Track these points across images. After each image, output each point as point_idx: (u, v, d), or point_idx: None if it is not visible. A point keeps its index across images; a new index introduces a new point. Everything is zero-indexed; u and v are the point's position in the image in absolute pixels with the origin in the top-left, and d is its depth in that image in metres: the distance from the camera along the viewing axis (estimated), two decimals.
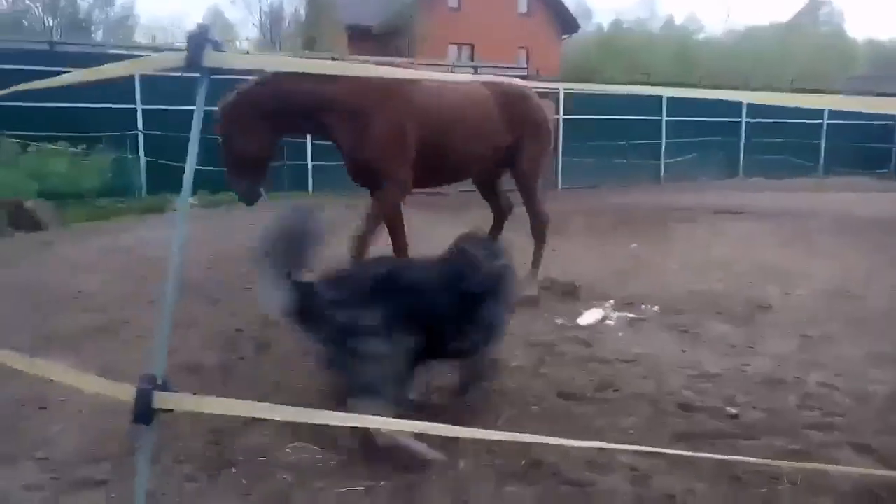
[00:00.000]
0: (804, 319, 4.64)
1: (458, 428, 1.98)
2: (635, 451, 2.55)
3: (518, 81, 3.92)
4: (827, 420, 3.07)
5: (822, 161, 17.77)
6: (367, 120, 4.11)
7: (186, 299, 4.86)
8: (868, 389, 3.42)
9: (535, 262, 5.20)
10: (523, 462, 2.63)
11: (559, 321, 4.61)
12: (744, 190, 13.65)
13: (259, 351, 3.96)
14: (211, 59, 1.36)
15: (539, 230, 5.20)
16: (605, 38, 34.61)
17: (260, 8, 33.50)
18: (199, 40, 1.33)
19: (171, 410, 1.58)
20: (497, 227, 5.37)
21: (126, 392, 1.54)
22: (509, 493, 2.46)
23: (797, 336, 4.29)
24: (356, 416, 1.86)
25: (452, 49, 27.88)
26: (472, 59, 26.32)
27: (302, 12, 32.56)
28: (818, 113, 17.77)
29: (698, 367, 3.74)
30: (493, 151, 4.71)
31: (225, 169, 4.23)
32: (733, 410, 3.15)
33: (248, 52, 21.15)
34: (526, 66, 25.99)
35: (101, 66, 1.60)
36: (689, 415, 3.13)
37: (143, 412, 1.52)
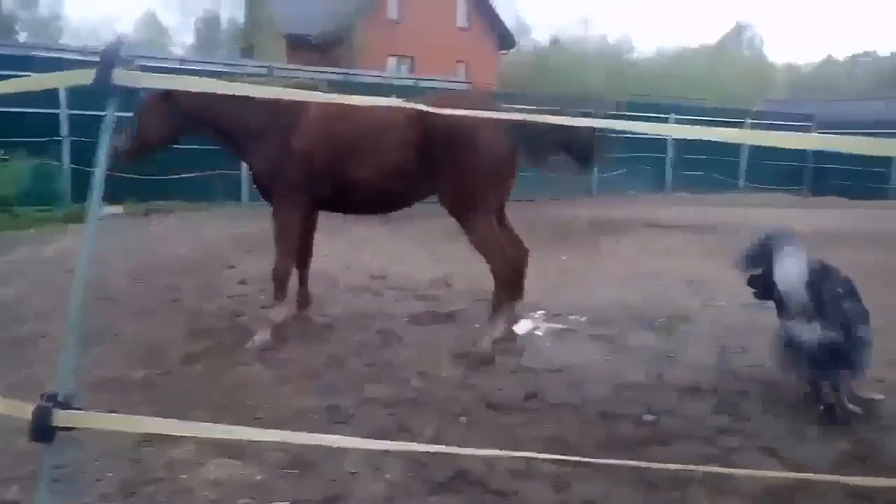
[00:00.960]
0: (721, 329, 4.87)
1: (383, 442, 2.02)
2: (556, 460, 2.63)
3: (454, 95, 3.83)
4: (737, 425, 3.24)
5: (742, 177, 18.67)
6: (261, 140, 4.29)
7: (111, 311, 4.73)
8: (776, 395, 3.62)
9: (496, 306, 4.41)
10: (450, 473, 2.67)
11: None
12: (671, 204, 14.18)
13: (185, 364, 3.87)
14: (120, 77, 1.35)
15: (494, 272, 4.30)
16: (542, 55, 35.41)
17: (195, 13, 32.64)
18: (109, 59, 1.33)
19: (72, 429, 1.54)
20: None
21: (26, 410, 1.49)
22: (435, 503, 2.50)
23: (714, 345, 4.50)
24: (276, 431, 1.86)
25: (392, 60, 27.96)
26: (412, 71, 26.46)
27: (239, 19, 32.01)
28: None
29: (621, 376, 3.88)
30: (392, 173, 4.18)
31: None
32: (651, 417, 3.29)
33: (181, 60, 20.64)
34: (465, 79, 26.33)
35: (4, 82, 1.56)
36: (610, 422, 3.25)
37: (42, 431, 1.47)
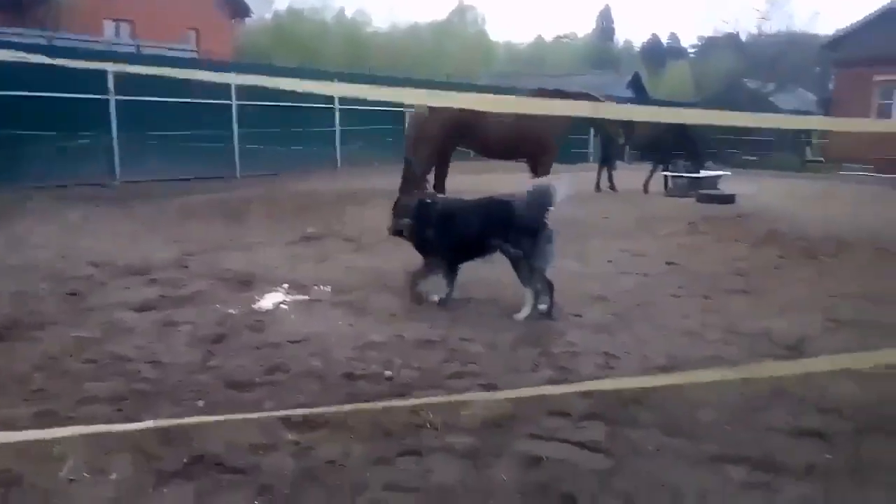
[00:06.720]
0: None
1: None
2: (295, 425, 2.66)
3: None
4: (464, 369, 3.58)
5: None
6: None
7: None
8: (497, 338, 4.05)
9: None
10: (185, 459, 2.56)
11: (232, 311, 4.54)
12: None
13: None
14: None
15: None
16: (279, 25, 34.37)
17: None
18: None
19: None
20: None
21: None
22: (169, 494, 2.38)
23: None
24: None
25: (109, 25, 24.88)
26: (133, 37, 23.85)
27: None
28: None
29: (363, 338, 4.02)
30: None
31: None
32: (389, 373, 3.48)
33: None
34: (196, 48, 24.51)
35: None
36: (352, 383, 3.37)
37: None
